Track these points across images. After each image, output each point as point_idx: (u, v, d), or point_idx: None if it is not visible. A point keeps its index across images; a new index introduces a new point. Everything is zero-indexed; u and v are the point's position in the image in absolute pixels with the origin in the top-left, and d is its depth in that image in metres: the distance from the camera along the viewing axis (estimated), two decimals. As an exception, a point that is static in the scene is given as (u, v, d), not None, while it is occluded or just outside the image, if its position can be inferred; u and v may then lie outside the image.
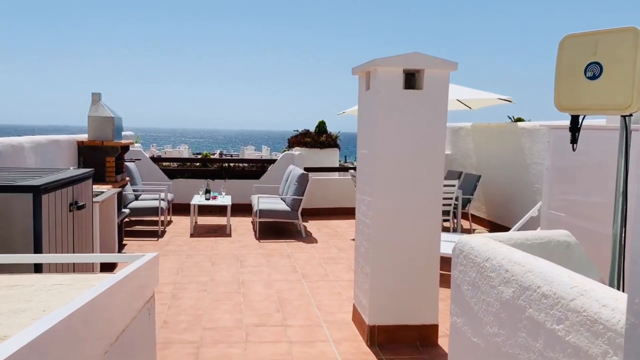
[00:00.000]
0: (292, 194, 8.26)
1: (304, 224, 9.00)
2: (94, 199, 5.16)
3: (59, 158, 6.08)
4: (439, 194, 4.18)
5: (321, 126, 11.45)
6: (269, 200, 8.68)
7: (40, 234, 3.30)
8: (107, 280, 1.82)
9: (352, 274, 6.09)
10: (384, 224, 4.10)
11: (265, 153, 52.85)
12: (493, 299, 1.75)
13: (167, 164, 10.77)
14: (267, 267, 6.33)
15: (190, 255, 6.86)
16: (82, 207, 4.02)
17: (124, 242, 7.53)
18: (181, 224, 9.06)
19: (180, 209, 10.22)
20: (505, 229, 8.54)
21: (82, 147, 6.79)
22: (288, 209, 8.23)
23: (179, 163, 10.71)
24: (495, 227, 8.94)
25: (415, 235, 4.13)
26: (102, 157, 6.82)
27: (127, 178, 7.51)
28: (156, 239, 7.84)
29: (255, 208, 8.29)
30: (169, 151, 52.18)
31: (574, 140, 2.19)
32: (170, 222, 9.27)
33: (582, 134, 2.34)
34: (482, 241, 1.91)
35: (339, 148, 11.40)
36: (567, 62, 2.02)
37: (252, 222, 9.56)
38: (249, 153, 47.38)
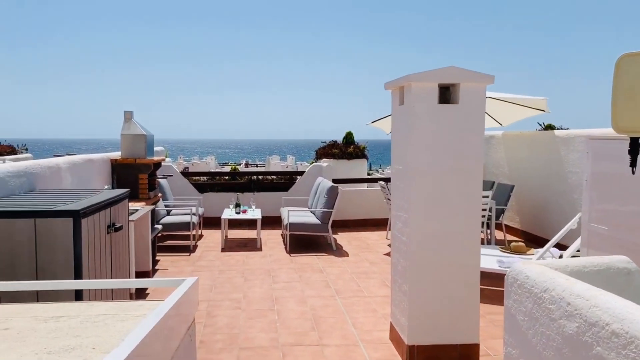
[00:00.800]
0: (322, 206, 8.23)
1: (334, 236, 8.95)
2: (129, 218, 5.21)
3: (94, 177, 6.17)
4: (478, 210, 4.09)
5: (349, 137, 11.41)
6: (298, 213, 8.65)
7: (81, 259, 3.32)
8: (154, 312, 1.80)
9: (386, 289, 6.01)
10: (422, 241, 4.02)
11: (290, 162, 52.87)
12: (554, 332, 1.67)
13: (196, 178, 10.86)
14: (299, 283, 6.29)
15: (223, 270, 6.87)
16: (120, 228, 4.05)
17: (157, 257, 7.59)
18: (212, 238, 9.11)
19: (211, 222, 10.28)
20: (540, 239, 8.34)
21: (115, 165, 6.88)
22: (318, 222, 8.19)
23: (208, 177, 10.79)
24: (529, 237, 8.74)
25: (454, 251, 4.05)
26: (135, 174, 6.90)
27: (159, 194, 7.58)
28: (188, 254, 7.88)
29: (285, 221, 8.27)
30: (196, 162, 52.68)
31: (633, 163, 2.10)
32: (201, 236, 9.33)
33: (623, 144, 2.23)
34: (538, 270, 1.83)
35: (366, 159, 11.34)
36: (624, 82, 1.93)
37: (281, 234, 9.55)
38: (274, 162, 47.43)
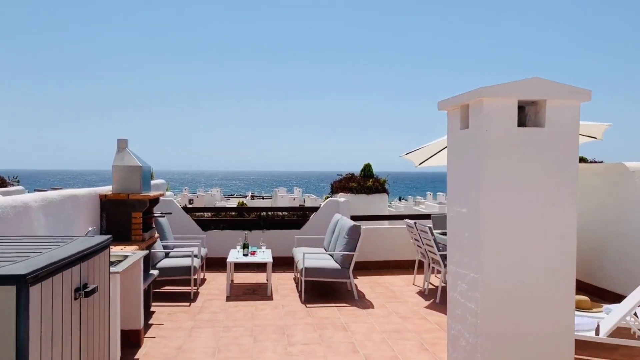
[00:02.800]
0: (342, 248, 7.19)
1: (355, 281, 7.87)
2: (113, 269, 4.21)
3: (77, 216, 5.20)
4: (571, 263, 3.07)
5: (367, 169, 10.46)
6: (314, 256, 7.62)
7: (27, 340, 2.32)
8: None
9: (427, 355, 4.93)
10: (497, 308, 3.00)
11: (297, 195, 51.99)
12: None
13: (200, 214, 9.89)
14: (320, 346, 5.22)
15: (228, 327, 5.81)
16: (92, 292, 3.04)
17: (153, 308, 6.55)
18: (216, 283, 8.06)
19: (216, 263, 9.25)
20: (592, 288, 7.26)
21: (105, 202, 5.92)
22: (337, 266, 7.15)
23: (213, 213, 9.82)
24: (579, 286, 7.64)
25: (541, 318, 3.02)
26: (127, 212, 5.93)
27: (156, 235, 6.60)
28: (188, 303, 6.83)
29: (300, 265, 7.24)
30: (201, 194, 51.87)
31: None
32: (204, 280, 8.28)
33: None
34: None
35: (387, 193, 10.35)
36: None
37: (294, 278, 8.50)
38: (282, 195, 46.60)
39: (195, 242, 8.25)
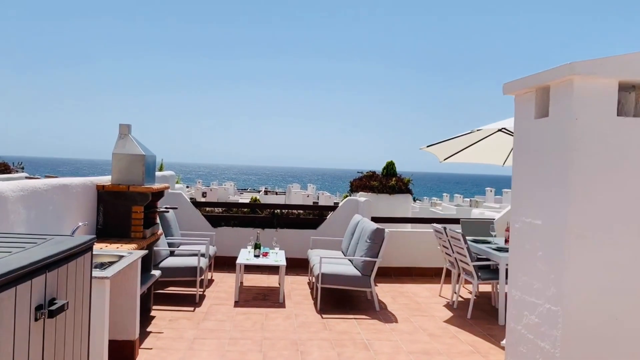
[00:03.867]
0: (363, 254, 6.51)
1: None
2: (101, 274, 3.58)
3: (68, 210, 4.58)
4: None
5: (390, 167, 9.75)
6: (332, 261, 6.94)
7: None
8: None
9: (463, 385, 4.23)
10: (583, 351, 2.29)
11: (310, 191, 51.33)
12: None
13: (210, 209, 9.26)
14: (339, 367, 4.55)
15: (235, 339, 5.16)
16: (60, 310, 2.39)
17: (153, 312, 5.93)
18: (224, 285, 7.42)
19: (225, 262, 8.64)
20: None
21: (102, 193, 5.30)
22: (357, 273, 6.46)
23: (223, 208, 9.19)
24: None
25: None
26: (127, 206, 5.31)
27: (159, 231, 5.97)
28: (192, 308, 6.20)
29: (316, 270, 6.57)
30: (215, 188, 51.47)
31: None
32: (211, 281, 7.65)
33: None
34: None
35: (411, 194, 9.63)
36: None
37: (308, 283, 7.84)
38: (295, 191, 45.96)
39: (203, 239, 7.62)
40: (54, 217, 4.24)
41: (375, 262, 6.43)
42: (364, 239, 6.65)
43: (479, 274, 6.30)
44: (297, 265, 8.72)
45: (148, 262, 5.85)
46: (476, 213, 10.83)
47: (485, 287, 7.56)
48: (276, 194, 62.62)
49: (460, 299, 7.03)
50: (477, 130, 6.62)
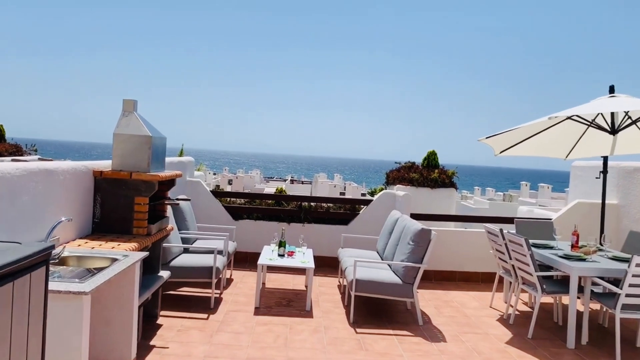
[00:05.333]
0: (406, 258, 5.56)
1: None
2: (78, 287, 2.74)
3: (52, 200, 3.76)
4: None
5: (431, 158, 8.74)
6: (368, 264, 6.02)
7: None
8: None
9: None
10: None
11: (337, 182, 50.47)
12: None
13: (231, 199, 8.42)
14: (381, 406, 3.63)
15: (252, 359, 4.30)
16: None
17: (160, 319, 5.12)
18: (244, 286, 6.58)
19: (246, 259, 7.84)
20: None
21: (100, 181, 4.47)
22: (398, 280, 5.53)
23: (246, 199, 8.35)
24: None
25: None
26: (129, 196, 4.47)
27: (170, 226, 5.14)
28: (206, 315, 5.36)
29: (349, 275, 5.65)
30: (241, 176, 51.07)
31: None
32: (230, 280, 6.83)
33: None
34: None
35: (455, 188, 8.62)
36: None
37: (338, 286, 6.95)
38: (322, 181, 45.16)
39: (222, 234, 6.78)
40: (29, 211, 3.42)
41: (419, 268, 5.48)
42: (406, 241, 5.70)
43: (544, 286, 5.29)
44: (326, 264, 7.84)
45: (155, 261, 5.04)
46: (523, 210, 9.73)
47: (543, 299, 6.51)
48: (302, 183, 62.05)
49: (512, 309, 6.03)
50: (550, 117, 5.56)
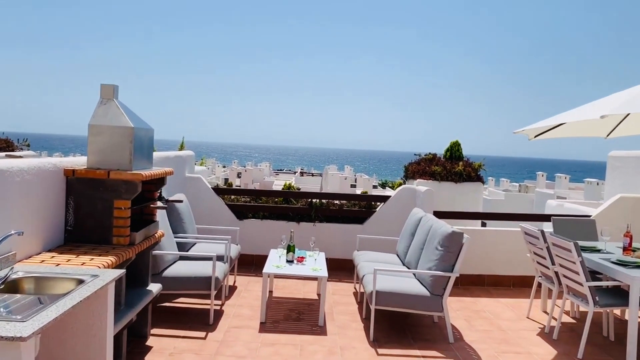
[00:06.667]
0: (434, 265, 4.81)
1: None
2: (12, 330, 2.03)
3: (13, 207, 3.05)
4: None
5: (455, 149, 7.95)
6: (389, 273, 5.27)
7: None
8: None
9: None
10: None
11: (348, 174, 49.66)
12: None
13: (235, 197, 7.70)
14: None
15: (256, 393, 3.59)
16: None
17: (150, 338, 4.42)
18: (249, 295, 5.88)
19: (251, 262, 7.15)
20: None
21: (72, 182, 3.75)
22: (425, 292, 4.78)
23: (251, 197, 7.61)
24: None
25: None
26: (107, 199, 3.75)
27: (159, 232, 4.42)
28: (204, 333, 4.66)
29: (368, 286, 4.91)
30: (250, 169, 50.44)
31: None
32: (233, 288, 6.12)
33: None
34: None
35: (482, 182, 7.83)
36: None
37: (354, 293, 6.23)
38: (332, 173, 44.40)
39: (224, 237, 6.07)
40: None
41: (449, 277, 4.73)
42: (433, 245, 4.94)
43: (597, 298, 4.52)
44: (339, 267, 7.11)
45: (143, 273, 4.33)
46: (552, 205, 8.93)
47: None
48: (312, 175, 61.30)
49: (553, 322, 5.26)
50: (602, 117, 4.71)
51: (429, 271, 4.80)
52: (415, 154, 8.26)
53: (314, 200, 7.38)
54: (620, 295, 4.74)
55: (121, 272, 3.08)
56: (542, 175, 37.17)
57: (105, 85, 3.93)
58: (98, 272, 3.00)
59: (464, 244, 4.74)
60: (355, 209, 7.49)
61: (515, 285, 6.79)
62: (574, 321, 5.56)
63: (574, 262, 4.50)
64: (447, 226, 4.92)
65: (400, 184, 7.91)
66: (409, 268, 5.57)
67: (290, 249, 5.52)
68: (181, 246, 5.74)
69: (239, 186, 43.53)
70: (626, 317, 5.63)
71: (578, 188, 33.64)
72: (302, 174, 61.20)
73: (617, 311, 5.68)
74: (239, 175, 49.57)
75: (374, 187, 38.32)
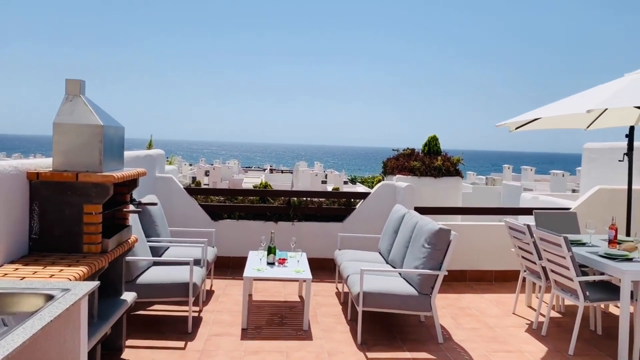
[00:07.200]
0: (422, 264, 4.67)
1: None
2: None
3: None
4: None
5: (432, 144, 7.85)
6: (375, 270, 5.10)
7: None
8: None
9: None
10: None
11: (318, 169, 49.57)
12: None
13: (209, 197, 7.41)
14: None
15: (244, 408, 3.37)
16: None
17: (125, 350, 4.13)
18: (227, 300, 5.63)
19: (227, 264, 6.91)
20: None
21: (37, 185, 3.44)
22: (413, 291, 4.63)
23: (226, 197, 7.34)
24: None
25: None
26: (77, 204, 3.46)
27: (132, 239, 4.13)
28: (182, 343, 4.40)
29: (354, 288, 4.73)
30: (218, 166, 49.76)
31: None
32: (210, 293, 5.86)
33: None
34: None
35: (461, 176, 7.75)
36: None
37: (337, 293, 6.05)
38: (302, 169, 44.18)
39: (200, 240, 5.80)
40: None
41: (437, 275, 4.59)
42: (420, 243, 4.80)
43: (587, 293, 4.45)
44: (320, 267, 6.92)
45: (117, 282, 4.05)
46: (527, 198, 8.95)
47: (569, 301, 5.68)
48: (282, 172, 60.91)
49: (540, 317, 5.20)
50: (589, 111, 4.67)
51: (416, 270, 4.65)
52: (393, 150, 8.13)
53: (292, 199, 7.16)
54: (609, 289, 4.69)
55: (95, 284, 2.80)
56: (509, 168, 37.84)
57: (70, 81, 3.63)
58: (69, 285, 2.72)
59: (451, 241, 4.61)
60: (335, 207, 7.30)
61: (497, 280, 6.73)
62: (559, 315, 5.51)
63: (564, 257, 4.42)
64: (434, 223, 4.78)
65: (379, 180, 7.76)
66: (393, 267, 5.42)
67: (271, 250, 5.30)
68: (154, 251, 5.44)
69: (207, 184, 42.89)
70: (610, 310, 5.63)
71: (544, 180, 34.33)
72: (271, 170, 60.81)
73: (601, 304, 5.65)
74: (206, 174, 48.84)
75: (345, 182, 38.31)
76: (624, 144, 6.42)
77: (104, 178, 3.46)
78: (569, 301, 5.50)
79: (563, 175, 28.62)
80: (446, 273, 4.60)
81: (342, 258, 5.76)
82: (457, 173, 7.64)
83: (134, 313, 5.00)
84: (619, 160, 6.48)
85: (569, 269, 4.42)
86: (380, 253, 6.05)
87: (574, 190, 25.82)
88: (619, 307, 5.61)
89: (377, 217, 6.86)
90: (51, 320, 2.26)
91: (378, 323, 5.03)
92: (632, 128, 6.19)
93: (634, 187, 6.48)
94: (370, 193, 7.16)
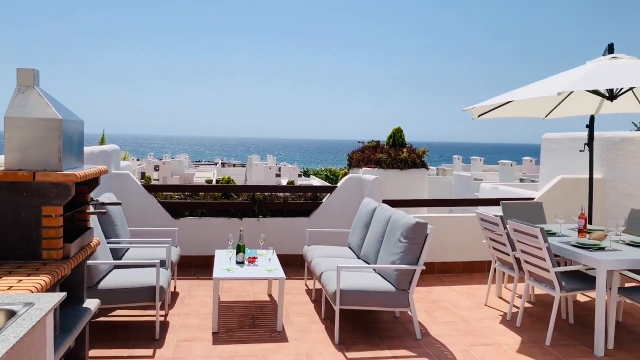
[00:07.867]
0: (398, 258, 4.56)
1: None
2: None
3: None
4: None
5: (397, 136, 7.78)
6: (351, 266, 4.97)
7: None
8: None
9: None
10: None
11: (271, 162, 49.15)
12: None
13: (169, 194, 7.07)
14: None
15: (225, 420, 3.16)
16: None
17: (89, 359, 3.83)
18: (194, 302, 5.36)
19: (191, 264, 6.61)
20: None
21: (-13, 186, 3.10)
22: (391, 287, 4.52)
23: (187, 193, 7.02)
24: None
25: None
26: (34, 206, 3.14)
27: (94, 242, 3.82)
28: (151, 350, 4.13)
29: (329, 284, 4.58)
30: (168, 161, 48.46)
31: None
32: (175, 295, 5.58)
33: None
34: None
35: (427, 168, 7.73)
36: None
37: (307, 290, 5.90)
38: (256, 163, 43.67)
39: (163, 239, 5.50)
40: None
41: (414, 270, 4.50)
42: (396, 237, 4.69)
43: (563, 283, 4.48)
44: (288, 263, 6.69)
45: (78, 288, 3.73)
46: (487, 188, 9.06)
47: (538, 290, 5.73)
48: (234, 165, 60.01)
49: (514, 308, 5.22)
50: (559, 93, 4.70)
51: (393, 265, 4.54)
52: (359, 142, 8.02)
53: (256, 194, 6.93)
54: (582, 278, 4.74)
55: (61, 296, 2.52)
56: (458, 159, 38.60)
57: (22, 70, 3.28)
58: (32, 298, 2.43)
59: (428, 234, 4.53)
60: (301, 202, 7.12)
61: (464, 271, 6.76)
62: (530, 305, 5.55)
63: (539, 248, 4.42)
64: (410, 217, 4.69)
65: (345, 174, 7.64)
66: (366, 262, 5.30)
67: (240, 249, 5.07)
68: (114, 253, 5.11)
69: (157, 180, 41.70)
70: (578, 299, 5.73)
71: (492, 169, 35.25)
72: (223, 164, 59.86)
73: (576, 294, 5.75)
74: (156, 168, 47.46)
75: (299, 175, 38.14)
76: (583, 134, 6.55)
77: (64, 177, 3.14)
78: (538, 290, 5.55)
79: (511, 165, 29.46)
80: (424, 267, 4.52)
81: (313, 254, 5.60)
82: (423, 165, 7.62)
83: (94, 320, 4.67)
84: (580, 150, 6.62)
85: (544, 260, 4.42)
86: (350, 248, 5.92)
87: (521, 180, 26.63)
88: (587, 296, 5.76)
89: (344, 211, 6.74)
90: (12, 346, 1.98)
91: (352, 320, 4.91)
92: (592, 117, 6.31)
93: (594, 176, 6.63)
94: (336, 187, 7.02)
